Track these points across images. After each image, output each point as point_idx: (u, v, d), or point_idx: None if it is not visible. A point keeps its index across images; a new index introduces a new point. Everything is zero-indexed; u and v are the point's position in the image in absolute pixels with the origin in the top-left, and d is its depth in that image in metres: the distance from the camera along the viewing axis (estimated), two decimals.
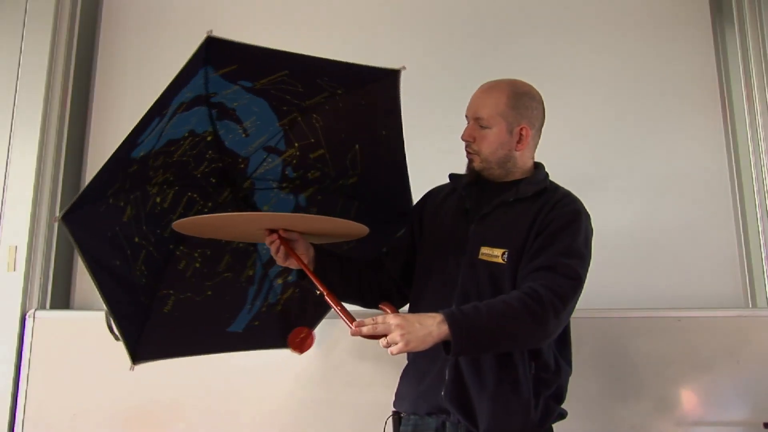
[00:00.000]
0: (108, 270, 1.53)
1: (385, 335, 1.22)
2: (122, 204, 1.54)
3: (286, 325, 1.77)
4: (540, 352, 1.41)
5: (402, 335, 1.20)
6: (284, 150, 1.63)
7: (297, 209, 1.70)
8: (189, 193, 1.65)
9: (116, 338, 1.64)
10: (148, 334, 1.63)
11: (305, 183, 1.68)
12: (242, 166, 1.65)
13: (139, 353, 1.61)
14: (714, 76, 2.37)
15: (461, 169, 1.58)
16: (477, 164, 1.52)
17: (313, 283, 1.42)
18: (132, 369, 1.59)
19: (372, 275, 1.61)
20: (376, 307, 1.41)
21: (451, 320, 1.24)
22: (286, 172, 1.64)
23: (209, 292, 1.71)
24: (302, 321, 1.77)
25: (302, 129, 1.61)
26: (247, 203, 1.69)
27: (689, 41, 2.39)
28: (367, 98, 1.56)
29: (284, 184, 1.67)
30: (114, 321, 1.59)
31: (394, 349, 1.21)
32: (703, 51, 2.39)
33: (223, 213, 1.62)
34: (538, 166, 1.56)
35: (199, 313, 1.70)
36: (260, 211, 1.70)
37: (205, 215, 1.59)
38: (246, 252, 1.74)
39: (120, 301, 1.58)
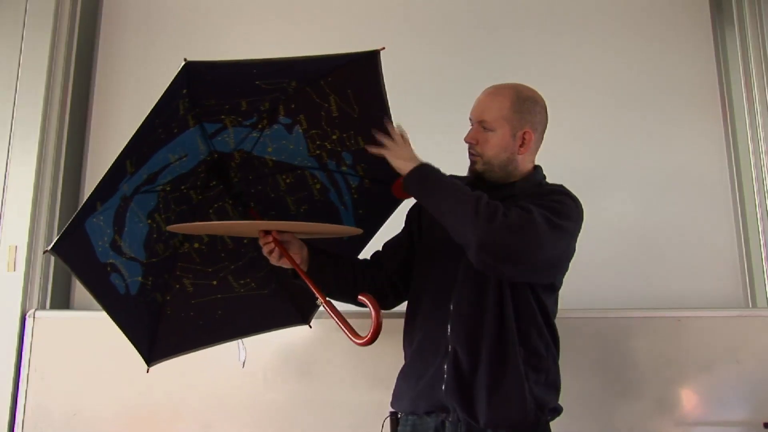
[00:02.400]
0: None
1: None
2: (177, 286, 1.71)
3: (383, 188, 1.71)
4: (528, 338, 1.44)
5: (391, 150, 1.48)
6: (220, 126, 1.62)
7: (288, 127, 1.67)
8: (210, 211, 1.71)
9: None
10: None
11: (270, 111, 1.65)
12: (215, 156, 1.66)
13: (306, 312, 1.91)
14: (714, 76, 2.37)
15: (462, 169, 1.58)
16: (479, 166, 1.53)
17: (307, 284, 1.43)
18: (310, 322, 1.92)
19: (366, 274, 1.63)
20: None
21: (422, 163, 1.44)
22: (246, 123, 1.63)
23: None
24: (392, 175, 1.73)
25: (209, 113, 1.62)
26: (255, 169, 1.71)
27: (689, 41, 2.39)
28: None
29: (259, 125, 1.65)
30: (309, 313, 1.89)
31: (374, 149, 1.49)
32: (703, 51, 2.39)
33: (219, 221, 1.68)
34: (536, 168, 1.58)
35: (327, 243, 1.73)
36: (281, 158, 1.72)
37: (201, 223, 1.60)
38: (303, 180, 1.76)
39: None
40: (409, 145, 1.51)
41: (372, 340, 1.30)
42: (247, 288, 1.78)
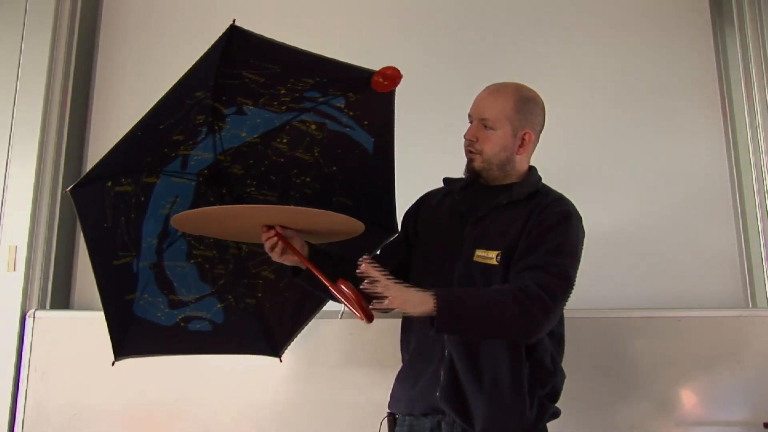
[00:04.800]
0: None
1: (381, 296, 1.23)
2: (260, 281, 1.72)
3: (369, 91, 1.68)
4: (536, 351, 1.42)
5: (395, 296, 1.23)
6: (180, 159, 1.60)
7: (239, 112, 1.64)
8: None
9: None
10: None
11: (212, 116, 1.63)
12: (205, 172, 1.66)
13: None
14: (714, 76, 2.37)
15: (459, 170, 1.58)
16: (478, 164, 1.52)
17: (311, 279, 1.42)
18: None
19: None
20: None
21: (437, 294, 1.27)
22: (200, 138, 1.61)
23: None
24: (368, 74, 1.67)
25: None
26: (249, 154, 1.70)
27: (689, 41, 2.39)
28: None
29: (214, 128, 1.63)
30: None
31: (377, 305, 1.22)
32: (703, 51, 2.38)
33: (220, 206, 1.65)
34: (531, 169, 1.57)
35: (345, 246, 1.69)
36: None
37: (202, 208, 1.57)
38: (297, 130, 1.72)
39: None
40: (395, 282, 1.26)
41: (367, 315, 1.27)
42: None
